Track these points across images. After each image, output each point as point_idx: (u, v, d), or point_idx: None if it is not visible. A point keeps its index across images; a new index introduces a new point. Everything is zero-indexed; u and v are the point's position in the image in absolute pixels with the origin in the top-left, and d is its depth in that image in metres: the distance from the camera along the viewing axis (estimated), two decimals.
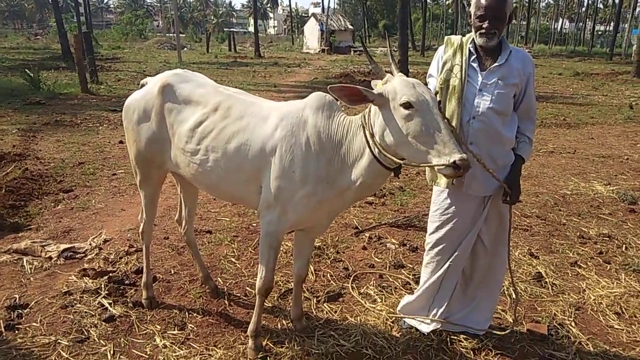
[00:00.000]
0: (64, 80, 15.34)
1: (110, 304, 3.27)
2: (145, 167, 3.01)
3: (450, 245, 2.81)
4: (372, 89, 2.28)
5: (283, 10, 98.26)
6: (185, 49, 36.80)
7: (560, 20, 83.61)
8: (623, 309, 3.43)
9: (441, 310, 2.95)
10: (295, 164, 2.41)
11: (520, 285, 3.72)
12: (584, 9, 77.43)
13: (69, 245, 4.06)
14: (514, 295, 3.10)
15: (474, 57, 2.62)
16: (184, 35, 55.52)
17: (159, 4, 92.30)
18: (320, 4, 57.24)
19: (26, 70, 13.88)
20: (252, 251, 4.16)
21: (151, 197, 3.14)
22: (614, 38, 42.88)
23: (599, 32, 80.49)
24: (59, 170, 6.31)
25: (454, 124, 2.57)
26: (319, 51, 42.89)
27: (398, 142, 2.16)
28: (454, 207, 2.76)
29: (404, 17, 18.55)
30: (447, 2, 76.51)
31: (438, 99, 2.41)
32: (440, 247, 2.84)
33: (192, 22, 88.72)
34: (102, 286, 3.46)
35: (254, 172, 2.54)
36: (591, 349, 3.00)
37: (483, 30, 2.51)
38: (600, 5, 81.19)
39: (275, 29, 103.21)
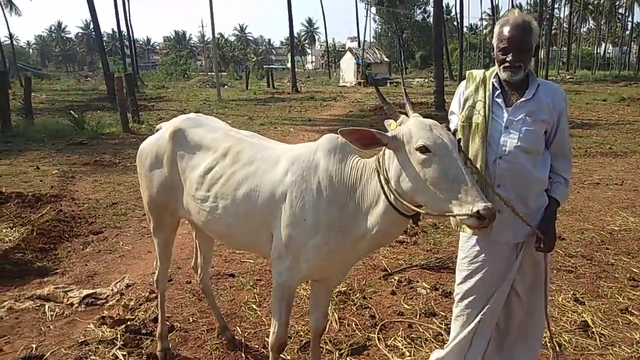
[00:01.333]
0: (107, 120, 15.91)
1: (124, 355, 3.15)
2: (158, 214, 2.94)
3: (481, 297, 2.55)
4: (387, 131, 2.13)
5: (320, 45, 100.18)
6: (225, 86, 37.89)
7: (603, 44, 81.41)
8: None
9: None
10: (306, 211, 2.26)
11: (564, 336, 3.38)
12: (627, 32, 75.34)
13: (91, 291, 4.01)
14: (557, 348, 2.79)
15: (498, 92, 2.43)
16: (225, 73, 57.31)
17: (202, 45, 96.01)
18: (357, 38, 58.01)
19: (71, 111, 14.48)
20: None
21: (165, 244, 3.05)
22: None
23: None
24: (92, 211, 6.39)
25: (478, 165, 2.37)
26: (355, 84, 43.19)
27: (415, 188, 1.98)
28: (483, 255, 2.52)
29: (438, 48, 18.59)
30: (485, 32, 76.20)
31: (459, 136, 2.24)
32: (470, 299, 2.58)
33: (233, 60, 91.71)
34: (119, 336, 3.35)
35: (264, 220, 2.41)
36: None
37: (507, 64, 2.33)
38: None
39: (313, 64, 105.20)
